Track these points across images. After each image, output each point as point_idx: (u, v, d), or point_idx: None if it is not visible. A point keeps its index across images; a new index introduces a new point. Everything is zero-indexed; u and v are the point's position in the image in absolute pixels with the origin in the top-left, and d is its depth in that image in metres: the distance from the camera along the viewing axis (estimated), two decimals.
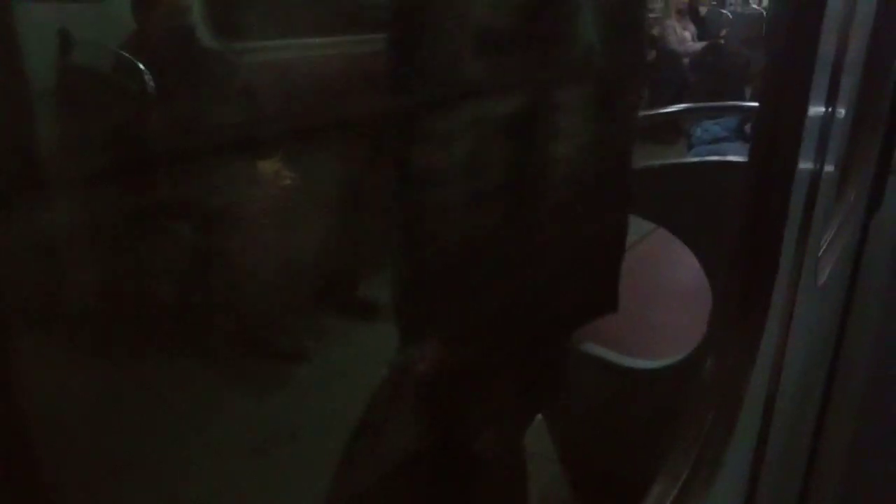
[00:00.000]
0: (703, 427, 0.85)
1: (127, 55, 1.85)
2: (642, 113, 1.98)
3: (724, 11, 7.55)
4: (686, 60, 6.02)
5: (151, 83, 1.86)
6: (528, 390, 1.30)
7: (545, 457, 1.93)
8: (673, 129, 4.73)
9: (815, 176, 0.98)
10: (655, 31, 5.83)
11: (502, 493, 1.19)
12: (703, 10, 6.79)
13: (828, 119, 0.98)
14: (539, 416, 1.91)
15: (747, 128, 3.06)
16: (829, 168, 1.05)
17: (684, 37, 6.11)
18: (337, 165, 2.39)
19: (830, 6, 0.83)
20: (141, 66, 1.86)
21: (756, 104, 2.63)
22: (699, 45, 6.17)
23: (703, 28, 6.48)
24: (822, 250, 1.19)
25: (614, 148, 1.15)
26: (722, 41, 6.25)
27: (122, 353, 1.79)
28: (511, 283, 1.14)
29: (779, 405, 1.02)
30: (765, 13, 7.76)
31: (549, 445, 1.91)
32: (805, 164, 0.92)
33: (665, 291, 2.23)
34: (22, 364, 0.47)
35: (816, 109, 0.91)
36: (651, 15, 6.01)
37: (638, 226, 2.03)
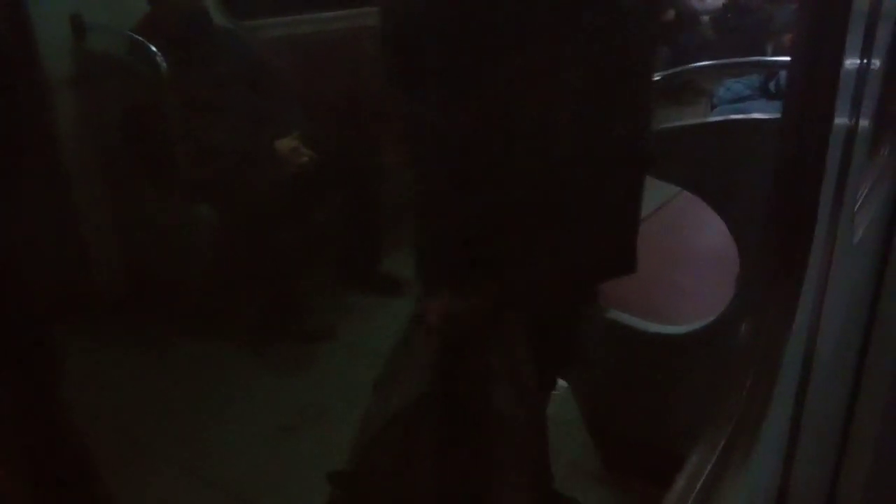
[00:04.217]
0: (741, 392, 0.83)
1: (140, 38, 1.84)
2: (662, 73, 1.93)
3: None
4: (706, 18, 5.89)
5: (164, 65, 1.85)
6: (546, 350, 1.29)
7: (574, 424, 1.93)
8: (694, 90, 4.64)
9: (851, 131, 0.95)
10: None
11: (520, 450, 1.19)
12: None
13: (863, 72, 0.94)
14: (566, 385, 1.90)
15: (771, 85, 2.99)
16: (864, 122, 1.02)
17: None
18: (355, 140, 2.37)
19: None
20: (153, 49, 1.85)
21: (781, 59, 2.56)
22: (719, 3, 6.03)
23: None
24: (857, 207, 1.15)
25: (629, 103, 1.13)
26: None
27: (153, 335, 1.80)
28: (524, 237, 1.13)
29: (816, 367, 1.00)
30: None
31: (577, 414, 1.91)
32: (841, 119, 0.89)
33: (690, 255, 2.20)
34: (58, 350, 0.47)
35: (852, 62, 0.88)
36: None
37: (661, 190, 2.00)
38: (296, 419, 1.92)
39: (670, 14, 4.98)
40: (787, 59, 0.91)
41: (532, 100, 1.03)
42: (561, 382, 1.87)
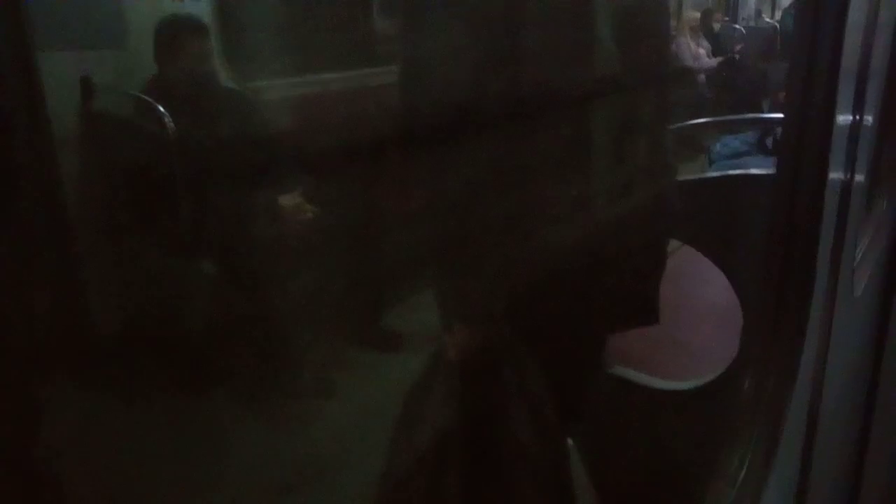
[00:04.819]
0: (745, 448, 0.82)
1: (147, 99, 1.88)
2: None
3: (737, 26, 7.53)
4: (702, 76, 6.00)
5: (172, 125, 1.88)
6: (559, 403, 1.28)
7: (578, 484, 1.89)
8: (692, 146, 4.70)
9: (846, 185, 0.96)
10: (670, 50, 5.82)
11: (544, 485, 1.17)
12: (716, 26, 6.77)
13: (856, 127, 0.96)
14: (571, 441, 1.87)
15: (768, 141, 3.03)
16: (859, 177, 1.03)
17: (699, 53, 6.10)
18: (357, 196, 2.39)
19: (852, 13, 0.82)
20: (161, 109, 1.89)
21: (777, 116, 2.61)
22: (714, 61, 6.15)
23: (717, 44, 6.46)
24: (856, 261, 1.16)
25: (653, 161, 1.14)
26: (737, 56, 6.23)
27: (147, 388, 1.78)
28: (546, 279, 1.13)
29: (822, 422, 0.99)
30: (778, 26, 7.74)
31: (582, 470, 1.88)
32: (836, 174, 0.90)
33: (693, 310, 2.19)
34: (46, 396, 0.47)
35: (844, 118, 0.90)
36: None
37: None
38: (295, 478, 1.88)
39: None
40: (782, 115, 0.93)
41: (551, 157, 1.04)
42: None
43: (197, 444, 1.82)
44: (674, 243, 2.16)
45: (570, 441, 1.86)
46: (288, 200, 2.33)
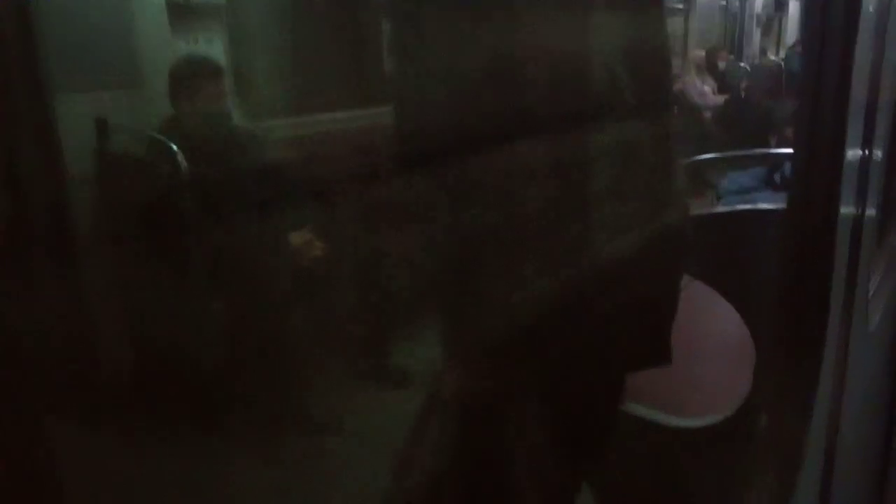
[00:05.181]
0: (763, 486, 0.81)
1: (161, 138, 1.91)
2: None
3: (742, 64, 7.62)
4: (708, 114, 6.05)
5: (185, 163, 1.90)
6: (574, 447, 1.25)
7: None
8: (700, 182, 4.71)
9: (858, 220, 0.96)
10: (676, 88, 5.87)
11: None
12: (721, 64, 6.85)
13: (865, 162, 0.96)
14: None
15: (776, 176, 3.04)
16: (870, 211, 1.03)
17: (704, 91, 6.15)
18: (365, 233, 2.40)
19: (859, 50, 0.83)
20: (174, 148, 1.91)
21: (785, 150, 2.61)
22: (720, 99, 6.21)
23: (723, 82, 6.52)
24: (870, 294, 1.15)
25: (665, 196, 1.13)
26: (743, 93, 6.28)
27: (154, 426, 1.77)
28: (549, 319, 1.11)
29: (839, 457, 0.97)
30: (783, 64, 7.81)
31: None
32: (847, 209, 0.90)
33: (705, 345, 2.17)
34: (49, 435, 0.47)
35: (853, 152, 0.90)
36: None
37: None
38: None
39: (672, 111, 5.11)
40: (791, 150, 0.93)
41: (558, 193, 1.04)
42: None
43: (203, 480, 1.80)
44: (685, 279, 2.16)
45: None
46: (298, 238, 2.35)
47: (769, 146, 4.52)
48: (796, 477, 0.82)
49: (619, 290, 1.10)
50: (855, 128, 0.89)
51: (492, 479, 1.11)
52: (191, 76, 1.99)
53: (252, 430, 2.12)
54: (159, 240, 1.82)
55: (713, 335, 2.16)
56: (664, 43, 1.07)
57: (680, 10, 6.88)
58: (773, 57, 8.80)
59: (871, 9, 0.85)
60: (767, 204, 2.01)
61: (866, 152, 0.96)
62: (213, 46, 2.06)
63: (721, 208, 2.52)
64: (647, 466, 1.73)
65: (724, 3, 8.21)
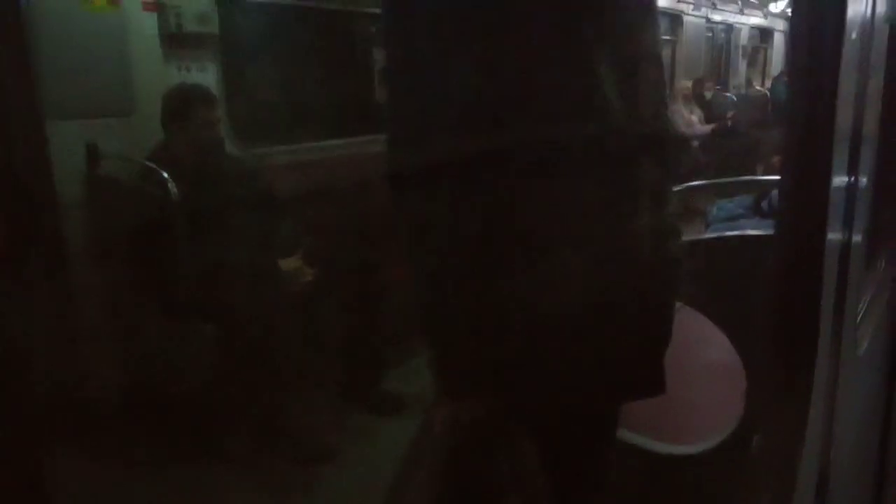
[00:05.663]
0: None
1: (151, 164, 1.91)
2: None
3: (729, 94, 7.73)
4: (695, 143, 6.12)
5: (175, 190, 1.91)
6: (568, 478, 1.23)
7: None
8: (688, 210, 4.75)
9: (845, 245, 0.97)
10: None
11: None
12: (707, 94, 6.95)
13: (852, 188, 0.98)
14: None
15: (764, 204, 3.06)
16: (857, 237, 1.04)
17: (691, 120, 6.24)
18: (355, 260, 2.40)
19: (844, 77, 0.84)
20: (164, 175, 1.92)
21: (772, 178, 2.64)
22: (707, 128, 6.28)
23: (709, 111, 6.62)
24: (858, 319, 1.16)
25: (657, 224, 1.12)
26: (729, 123, 6.37)
27: (148, 455, 1.75)
28: (538, 348, 1.09)
29: (833, 480, 0.97)
30: (769, 94, 7.94)
31: None
32: (834, 235, 0.91)
33: (696, 371, 2.17)
34: (45, 464, 0.46)
35: (840, 179, 0.91)
36: None
37: None
38: None
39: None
40: (778, 178, 0.94)
41: (548, 221, 1.03)
42: None
43: None
44: (676, 304, 2.16)
45: None
46: (288, 264, 2.34)
47: (756, 174, 4.58)
48: (791, 501, 0.82)
49: (611, 319, 1.09)
50: (841, 154, 0.90)
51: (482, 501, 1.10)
52: (183, 103, 2.00)
53: (246, 457, 2.09)
54: (149, 264, 1.81)
55: (704, 361, 2.16)
56: (658, 70, 1.08)
57: (667, 40, 6.99)
58: (758, 87, 8.93)
59: (853, 35, 0.87)
60: (755, 231, 2.03)
61: (852, 179, 0.98)
62: (205, 75, 2.06)
63: (710, 235, 2.54)
64: (641, 492, 1.72)
65: (709, 34, 8.34)
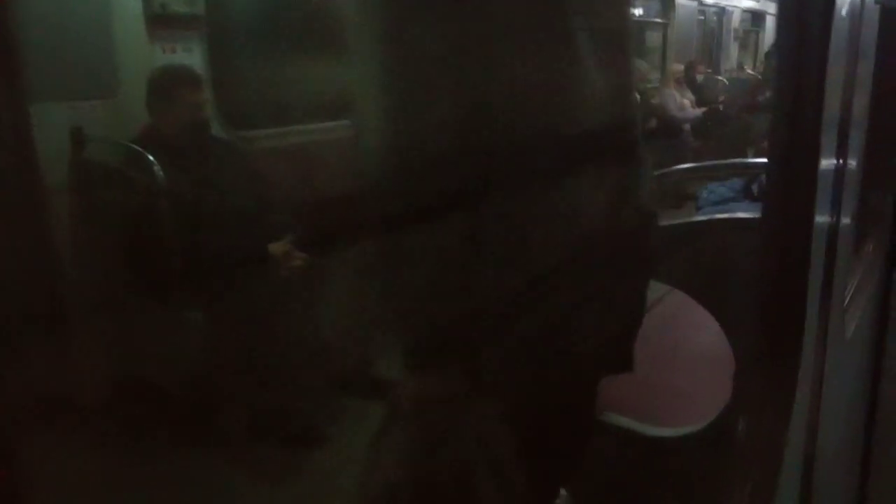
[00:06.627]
0: (742, 495, 0.81)
1: (137, 148, 1.88)
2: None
3: (720, 78, 7.73)
4: (687, 127, 6.12)
5: (161, 174, 1.88)
6: (545, 453, 1.24)
7: None
8: (678, 194, 4.76)
9: (833, 229, 0.97)
10: (655, 101, 5.95)
11: None
12: (699, 77, 6.94)
13: (840, 171, 0.97)
14: (566, 494, 1.84)
15: (754, 187, 3.07)
16: (845, 220, 1.04)
17: (683, 104, 6.23)
18: (346, 246, 2.39)
19: (833, 59, 0.84)
20: (150, 159, 1.89)
21: (762, 161, 2.64)
22: (699, 112, 6.28)
23: (701, 95, 6.61)
24: (846, 302, 1.16)
25: (628, 203, 1.12)
26: (720, 106, 6.37)
27: (129, 441, 1.74)
28: (506, 324, 1.09)
29: (819, 464, 0.98)
30: (760, 77, 7.93)
31: None
32: (822, 218, 0.91)
33: (684, 354, 2.19)
34: (28, 456, 0.46)
35: (828, 162, 0.91)
36: (649, 85, 6.14)
37: (652, 288, 2.00)
38: None
39: (651, 123, 5.17)
40: (766, 160, 0.94)
41: (517, 192, 1.03)
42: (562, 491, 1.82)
43: (184, 496, 1.77)
44: (664, 287, 2.17)
45: (563, 493, 1.83)
46: (278, 248, 2.33)
47: (747, 157, 4.58)
48: (776, 484, 0.82)
49: (581, 295, 1.09)
50: (829, 138, 0.90)
51: (457, 486, 1.10)
52: (169, 85, 1.98)
53: (234, 442, 2.09)
54: (137, 251, 1.80)
55: (692, 343, 2.17)
56: (629, 43, 1.08)
57: (658, 24, 6.96)
58: (750, 71, 8.92)
59: (843, 13, 0.86)
60: (746, 213, 2.03)
61: (841, 162, 0.97)
62: (192, 56, 2.04)
63: (700, 217, 2.54)
64: (628, 475, 1.73)
65: (701, 17, 8.31)
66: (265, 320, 2.10)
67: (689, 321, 2.04)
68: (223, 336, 2.02)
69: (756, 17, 10.26)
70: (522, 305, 1.06)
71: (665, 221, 1.73)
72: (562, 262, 1.05)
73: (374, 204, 1.14)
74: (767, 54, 8.13)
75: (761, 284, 0.92)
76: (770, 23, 10.36)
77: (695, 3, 7.74)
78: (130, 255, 1.89)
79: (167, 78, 2.00)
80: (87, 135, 1.77)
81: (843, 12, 0.87)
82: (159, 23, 1.91)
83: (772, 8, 10.02)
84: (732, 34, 9.26)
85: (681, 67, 6.67)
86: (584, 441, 1.48)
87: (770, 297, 0.91)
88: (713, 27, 8.84)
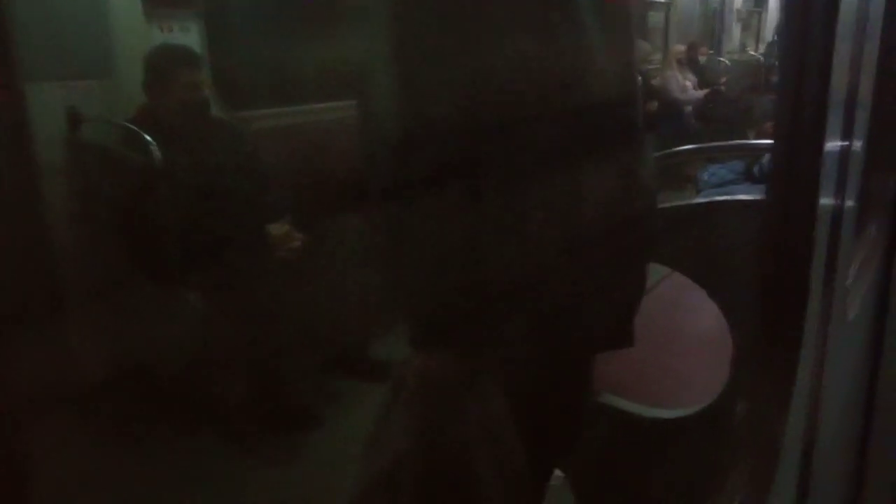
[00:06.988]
0: (741, 477, 0.81)
1: (133, 128, 1.87)
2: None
3: (722, 59, 7.67)
4: (689, 108, 6.08)
5: (158, 154, 1.87)
6: (541, 432, 1.24)
7: None
8: (679, 176, 4.75)
9: (837, 211, 0.96)
10: (657, 82, 5.90)
11: None
12: (701, 59, 6.89)
13: (845, 153, 0.96)
14: (562, 475, 1.84)
15: (755, 169, 3.06)
16: (849, 202, 1.03)
17: (685, 85, 6.19)
18: (346, 226, 2.38)
19: (840, 40, 0.82)
20: (147, 138, 1.88)
21: (764, 142, 2.63)
22: (700, 93, 6.24)
23: (703, 76, 6.57)
24: (848, 284, 1.16)
25: (628, 182, 1.12)
26: (723, 88, 6.33)
27: (134, 426, 1.75)
28: (509, 301, 1.09)
29: (818, 448, 0.97)
30: (762, 59, 7.87)
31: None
32: (826, 200, 0.90)
33: (683, 337, 2.19)
34: (31, 437, 0.45)
35: (833, 144, 0.90)
36: (651, 66, 6.10)
37: (651, 270, 2.00)
38: None
39: (653, 105, 5.15)
40: (771, 142, 0.93)
41: (519, 168, 1.02)
42: (557, 472, 1.82)
43: (182, 479, 1.78)
44: (664, 270, 2.16)
45: (560, 473, 1.84)
46: (277, 229, 2.32)
47: (748, 139, 4.56)
48: (775, 467, 0.82)
49: (581, 272, 1.09)
50: (835, 119, 0.89)
51: (457, 462, 1.11)
52: (167, 65, 1.95)
53: (232, 427, 2.10)
54: (134, 231, 1.78)
55: (691, 326, 2.17)
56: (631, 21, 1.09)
57: (660, 4, 6.90)
58: (752, 52, 8.86)
59: None
60: (747, 196, 2.02)
61: (846, 143, 0.96)
62: (189, 35, 2.01)
63: (700, 199, 2.53)
64: (624, 456, 1.74)
65: None
66: (265, 301, 2.10)
67: (689, 303, 2.03)
68: (222, 317, 2.01)
69: None
70: (524, 282, 1.06)
71: (665, 203, 1.72)
72: (563, 239, 1.05)
73: (376, 183, 1.13)
74: (771, 44, 8.08)
75: (763, 266, 0.92)
76: (773, 3, 10.27)
77: None
78: (128, 237, 1.88)
79: (165, 57, 1.98)
80: (84, 115, 1.74)
81: None
82: (156, 1, 1.88)
83: None
84: (735, 15, 9.19)
85: (683, 48, 6.62)
86: (580, 420, 1.49)
87: (772, 279, 0.90)
88: (715, 8, 8.77)
